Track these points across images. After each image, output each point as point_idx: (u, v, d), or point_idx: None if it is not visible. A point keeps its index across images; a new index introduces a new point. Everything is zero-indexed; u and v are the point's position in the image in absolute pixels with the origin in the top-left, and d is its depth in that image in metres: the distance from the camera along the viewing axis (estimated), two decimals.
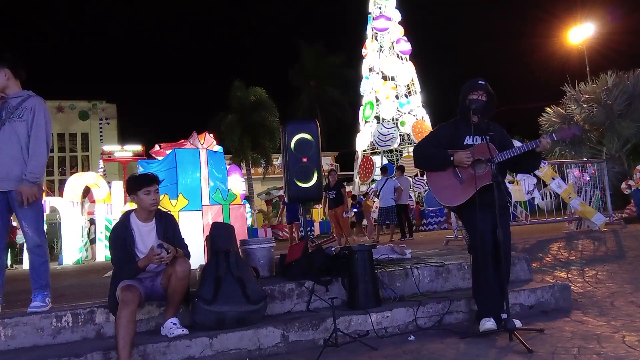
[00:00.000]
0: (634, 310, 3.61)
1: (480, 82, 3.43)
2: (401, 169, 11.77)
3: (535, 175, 7.12)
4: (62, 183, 21.56)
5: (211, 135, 8.28)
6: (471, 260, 3.51)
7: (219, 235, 3.82)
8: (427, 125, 24.54)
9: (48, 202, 13.63)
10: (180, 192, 6.72)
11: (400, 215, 10.98)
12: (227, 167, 10.53)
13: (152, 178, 3.39)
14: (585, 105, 15.51)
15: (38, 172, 3.46)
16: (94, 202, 15.44)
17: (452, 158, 3.32)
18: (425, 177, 3.76)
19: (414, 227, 15.33)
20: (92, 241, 15.77)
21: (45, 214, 13.66)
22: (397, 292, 3.86)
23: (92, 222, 16.02)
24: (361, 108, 26.55)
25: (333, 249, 4.39)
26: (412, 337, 3.31)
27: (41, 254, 3.53)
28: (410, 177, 14.41)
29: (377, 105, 25.54)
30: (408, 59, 26.51)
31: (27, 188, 3.39)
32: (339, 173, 12.09)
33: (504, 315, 3.11)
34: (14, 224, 3.34)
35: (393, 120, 25.19)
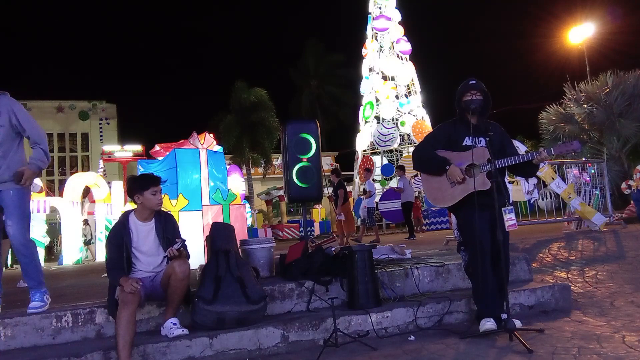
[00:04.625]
0: (634, 310, 3.61)
1: (471, 81, 3.46)
2: (402, 168, 11.75)
3: (535, 176, 7.11)
4: (62, 183, 21.51)
5: (211, 135, 8.28)
6: (465, 260, 3.51)
7: (219, 235, 3.82)
8: (427, 125, 24.47)
9: (48, 202, 13.59)
10: (180, 192, 6.72)
11: (408, 213, 10.93)
12: (227, 167, 10.53)
13: (157, 178, 3.46)
14: (585, 105, 15.50)
15: (42, 161, 3.53)
16: (94, 202, 15.38)
17: (447, 168, 3.36)
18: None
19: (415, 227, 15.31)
20: (87, 242, 15.65)
21: (45, 214, 13.59)
22: (397, 292, 3.87)
23: (86, 222, 15.86)
24: (361, 108, 26.48)
25: (333, 249, 4.39)
26: (412, 337, 3.32)
27: (27, 254, 3.50)
28: (410, 177, 14.41)
29: (377, 105, 25.49)
30: (408, 59, 26.46)
31: (30, 172, 3.46)
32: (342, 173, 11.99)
33: (504, 316, 3.12)
34: None
35: (393, 120, 25.13)
